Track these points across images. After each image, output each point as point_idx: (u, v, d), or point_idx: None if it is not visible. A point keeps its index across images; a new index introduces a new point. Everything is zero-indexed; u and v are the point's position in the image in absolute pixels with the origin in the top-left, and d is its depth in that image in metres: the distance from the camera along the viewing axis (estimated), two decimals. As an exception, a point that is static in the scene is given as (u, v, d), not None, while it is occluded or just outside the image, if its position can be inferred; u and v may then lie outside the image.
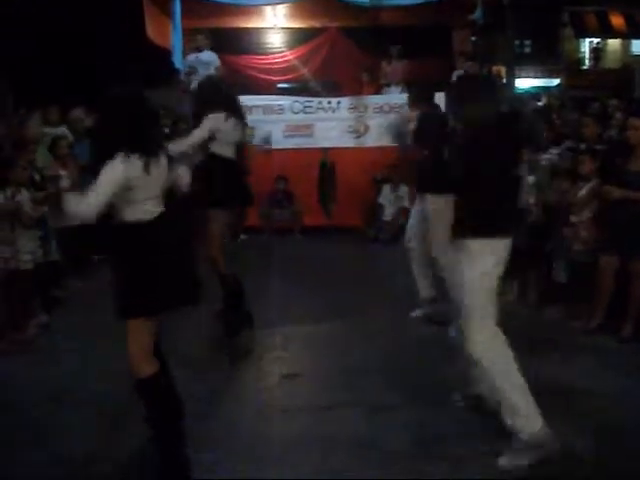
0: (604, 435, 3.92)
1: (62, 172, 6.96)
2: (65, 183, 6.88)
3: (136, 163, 3.31)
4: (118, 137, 3.36)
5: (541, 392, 3.72)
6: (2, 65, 11.81)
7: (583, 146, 6.49)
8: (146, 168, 3.33)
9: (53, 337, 5.88)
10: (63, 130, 7.89)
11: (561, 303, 6.16)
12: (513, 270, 6.63)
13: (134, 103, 3.48)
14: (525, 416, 3.57)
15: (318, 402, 4.47)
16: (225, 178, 5.33)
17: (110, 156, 3.29)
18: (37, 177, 6.33)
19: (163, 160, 3.49)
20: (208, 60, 10.07)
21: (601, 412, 4.22)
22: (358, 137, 9.58)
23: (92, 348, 5.46)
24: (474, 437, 3.90)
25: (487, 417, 3.91)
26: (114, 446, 3.96)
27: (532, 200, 6.28)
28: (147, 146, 3.38)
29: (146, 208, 3.42)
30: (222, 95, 5.49)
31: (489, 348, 3.66)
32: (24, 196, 5.83)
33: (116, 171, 3.28)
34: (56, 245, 6.62)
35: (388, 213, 9.52)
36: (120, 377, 4.80)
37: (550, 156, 6.56)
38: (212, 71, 9.75)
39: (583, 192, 5.86)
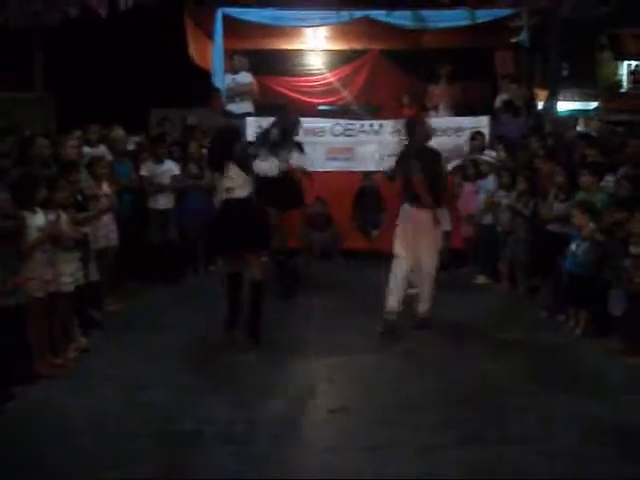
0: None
1: (101, 192, 6.90)
2: (104, 203, 6.85)
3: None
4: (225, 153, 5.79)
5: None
6: (49, 87, 11.97)
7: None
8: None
9: (92, 361, 5.77)
10: (103, 150, 7.84)
11: (617, 336, 5.90)
12: (569, 301, 6.51)
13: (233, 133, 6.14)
14: None
15: (366, 440, 4.27)
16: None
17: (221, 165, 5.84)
18: (79, 197, 6.25)
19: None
20: (244, 82, 10.04)
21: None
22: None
23: (130, 374, 5.38)
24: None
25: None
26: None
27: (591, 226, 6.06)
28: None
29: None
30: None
31: None
32: (64, 218, 5.74)
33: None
34: (96, 267, 6.54)
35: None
36: (155, 407, 4.76)
37: (605, 183, 6.32)
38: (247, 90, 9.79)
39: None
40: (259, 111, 10.01)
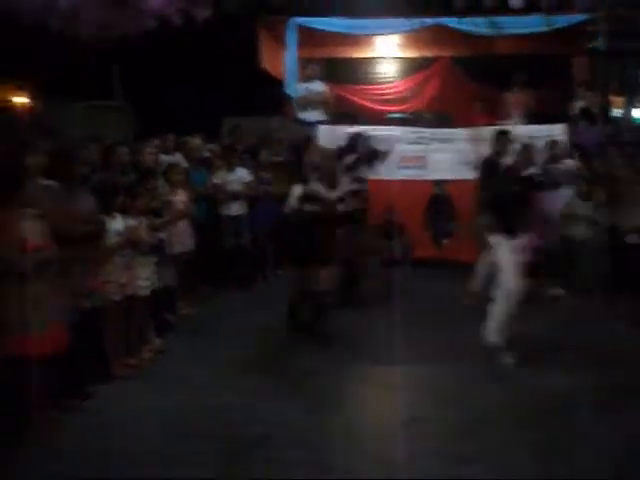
0: None
1: (176, 198, 7.05)
2: (179, 209, 7.00)
3: None
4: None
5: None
6: (128, 96, 12.31)
7: None
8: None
9: (165, 363, 5.88)
10: (179, 157, 8.01)
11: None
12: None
13: None
14: None
15: (443, 452, 4.21)
16: None
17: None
18: (156, 204, 6.40)
19: None
20: (317, 90, 10.09)
21: None
22: (474, 169, 9.26)
23: (201, 376, 5.48)
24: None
25: None
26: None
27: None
28: None
29: None
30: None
31: None
32: (142, 223, 5.89)
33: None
34: (171, 271, 6.68)
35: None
36: (225, 409, 4.81)
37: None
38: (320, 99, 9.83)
39: None
40: (333, 119, 10.04)
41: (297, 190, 6.01)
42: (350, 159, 7.56)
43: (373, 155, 7.81)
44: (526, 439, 4.36)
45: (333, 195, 6.22)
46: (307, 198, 5.93)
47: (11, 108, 9.63)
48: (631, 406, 4.81)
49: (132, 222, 5.70)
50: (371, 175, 7.82)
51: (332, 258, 6.30)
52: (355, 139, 7.98)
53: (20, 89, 10.08)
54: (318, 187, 6.11)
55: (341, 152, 7.77)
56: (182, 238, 7.10)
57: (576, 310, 7.53)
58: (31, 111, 9.80)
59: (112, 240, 5.45)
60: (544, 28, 9.87)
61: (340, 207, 6.46)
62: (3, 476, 3.96)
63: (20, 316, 4.17)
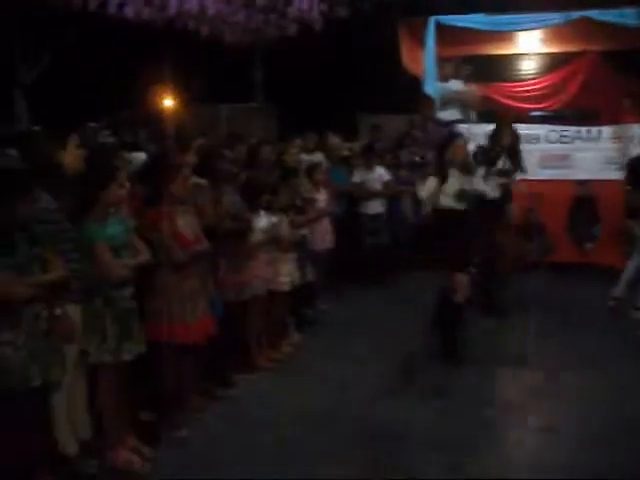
0: None
1: (318, 196, 7.22)
2: (321, 207, 7.17)
3: None
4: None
5: None
6: (271, 96, 12.72)
7: None
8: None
9: (304, 357, 6.05)
10: (319, 157, 8.19)
11: None
12: None
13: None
14: None
15: (574, 462, 4.08)
16: None
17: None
18: (299, 202, 6.59)
19: None
20: (456, 89, 9.96)
21: None
22: (621, 169, 8.83)
23: (339, 372, 5.59)
24: None
25: None
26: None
27: None
28: None
29: None
30: None
31: None
32: (283, 221, 6.08)
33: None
34: (311, 267, 6.86)
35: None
36: (361, 406, 4.88)
37: None
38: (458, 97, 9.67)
39: None
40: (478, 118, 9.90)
41: (438, 187, 5.91)
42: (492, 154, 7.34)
43: (514, 153, 7.54)
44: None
45: (488, 190, 6.13)
46: (461, 195, 5.80)
47: (165, 110, 10.19)
48: None
49: (275, 219, 5.90)
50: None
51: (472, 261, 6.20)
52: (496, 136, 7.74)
53: (171, 92, 10.63)
54: (478, 183, 6.04)
55: (482, 150, 7.62)
56: (323, 235, 7.28)
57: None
58: (182, 113, 10.32)
59: (257, 236, 5.67)
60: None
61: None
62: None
63: (177, 306, 4.44)
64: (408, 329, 6.59)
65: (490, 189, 6.86)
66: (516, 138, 7.56)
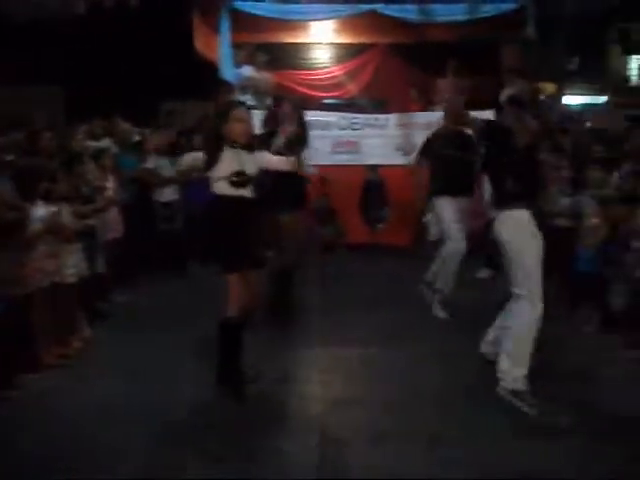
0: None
1: (107, 184, 6.95)
2: (109, 195, 6.91)
3: None
4: None
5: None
6: (56, 78, 12.02)
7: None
8: None
9: (96, 352, 5.82)
10: (107, 142, 7.91)
11: (618, 331, 5.89)
12: (570, 297, 6.48)
13: None
14: None
15: (372, 432, 4.28)
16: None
17: None
18: (85, 190, 6.30)
19: None
20: (247, 75, 10.03)
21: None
22: (405, 155, 9.38)
23: (136, 363, 5.43)
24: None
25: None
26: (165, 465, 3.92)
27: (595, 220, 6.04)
28: None
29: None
30: None
31: None
32: (65, 210, 5.77)
33: None
34: (103, 258, 6.60)
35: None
36: (164, 393, 4.80)
37: (612, 179, 6.32)
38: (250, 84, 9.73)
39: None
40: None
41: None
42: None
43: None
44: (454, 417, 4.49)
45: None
46: (238, 175, 4.68)
47: None
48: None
49: (54, 208, 5.58)
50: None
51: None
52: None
53: None
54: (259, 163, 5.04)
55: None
56: (112, 224, 7.03)
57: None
58: None
59: (35, 227, 5.34)
60: (474, 16, 10.03)
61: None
62: None
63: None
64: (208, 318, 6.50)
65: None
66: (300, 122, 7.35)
